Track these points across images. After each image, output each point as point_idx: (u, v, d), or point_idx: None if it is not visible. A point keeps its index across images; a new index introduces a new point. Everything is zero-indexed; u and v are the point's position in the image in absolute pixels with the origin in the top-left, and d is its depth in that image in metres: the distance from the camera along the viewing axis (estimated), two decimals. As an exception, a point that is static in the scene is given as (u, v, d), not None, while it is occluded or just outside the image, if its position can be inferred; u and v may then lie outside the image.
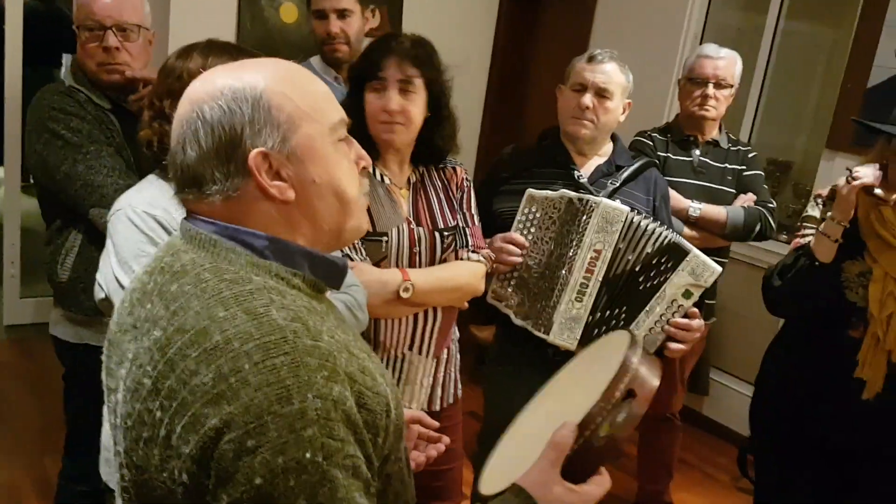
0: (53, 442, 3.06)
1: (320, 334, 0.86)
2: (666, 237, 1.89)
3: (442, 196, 1.86)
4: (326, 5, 2.45)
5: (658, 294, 1.87)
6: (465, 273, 1.81)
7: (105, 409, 1.04)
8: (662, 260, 1.87)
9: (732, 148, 2.82)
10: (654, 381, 1.01)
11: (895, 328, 1.85)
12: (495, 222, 2.01)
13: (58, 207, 1.99)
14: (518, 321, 1.97)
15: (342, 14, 2.46)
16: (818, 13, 3.91)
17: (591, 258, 1.86)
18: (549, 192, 1.97)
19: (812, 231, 2.02)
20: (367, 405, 0.87)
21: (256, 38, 3.83)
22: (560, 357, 1.95)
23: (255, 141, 0.90)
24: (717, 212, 2.63)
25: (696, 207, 2.59)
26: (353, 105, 1.71)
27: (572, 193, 1.95)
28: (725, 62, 2.71)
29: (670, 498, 3.14)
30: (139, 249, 1.43)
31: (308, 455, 0.79)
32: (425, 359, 1.82)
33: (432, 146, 1.83)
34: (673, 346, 1.89)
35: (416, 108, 1.75)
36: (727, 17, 4.06)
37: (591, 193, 2.01)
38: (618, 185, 2.08)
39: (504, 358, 2.08)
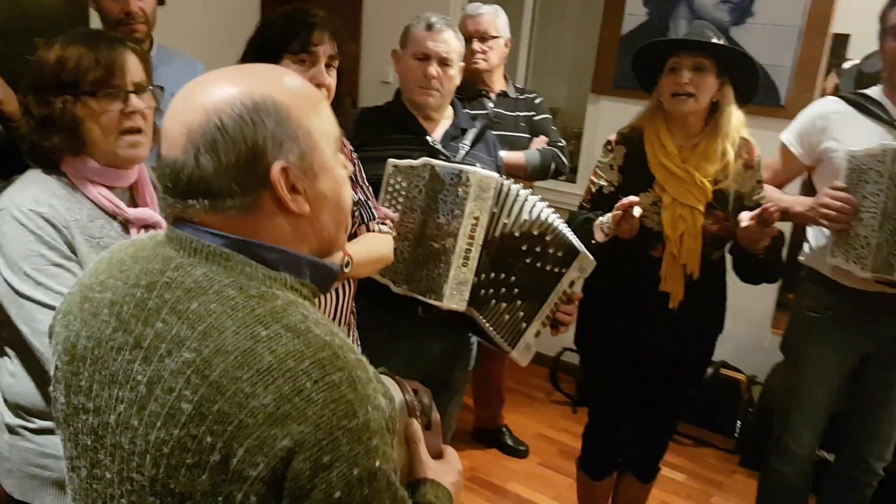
0: None
1: (353, 348, 0.89)
2: (543, 211, 2.04)
3: None
4: None
5: (556, 289, 2.07)
6: (384, 245, 1.86)
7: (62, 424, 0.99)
8: (557, 253, 2.05)
9: (521, 97, 3.09)
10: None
11: (686, 245, 2.21)
12: None
13: None
14: (398, 289, 2.03)
15: None
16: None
17: (472, 225, 1.96)
18: (412, 161, 2.03)
19: (603, 178, 2.33)
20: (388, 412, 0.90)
21: (8, 15, 3.47)
22: (428, 315, 2.10)
23: (277, 154, 0.89)
24: (516, 157, 2.90)
25: (499, 156, 2.82)
26: None
27: (436, 162, 2.01)
28: (485, 17, 2.97)
29: (504, 420, 3.48)
30: (29, 249, 1.37)
31: (377, 463, 0.83)
32: (345, 328, 1.85)
33: None
34: (562, 328, 2.12)
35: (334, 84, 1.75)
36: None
37: (448, 159, 2.12)
38: (469, 148, 2.22)
39: (376, 323, 2.13)
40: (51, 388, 1.00)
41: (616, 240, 2.19)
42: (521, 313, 2.07)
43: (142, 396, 0.86)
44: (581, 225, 2.23)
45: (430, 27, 2.14)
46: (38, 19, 3.56)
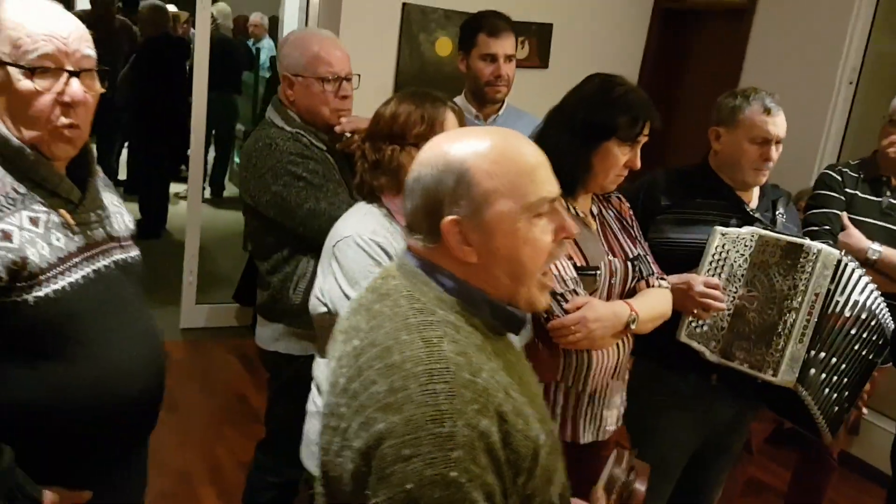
0: (221, 433, 3.40)
1: (480, 371, 0.99)
2: (873, 293, 2.06)
3: (616, 225, 1.93)
4: (499, 51, 2.62)
5: (870, 377, 2.13)
6: (665, 301, 1.90)
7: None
8: (877, 340, 2.07)
9: None
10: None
11: None
12: (652, 251, 2.03)
13: (286, 239, 2.15)
14: (716, 359, 2.05)
15: (509, 58, 2.65)
16: None
17: (812, 301, 1.98)
18: (740, 229, 2.06)
19: None
20: (512, 445, 0.98)
21: (413, 70, 4.08)
22: (722, 384, 2.11)
23: (452, 209, 1.05)
24: None
25: (877, 250, 2.49)
26: (580, 151, 1.77)
27: (764, 232, 2.04)
28: None
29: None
30: (367, 270, 1.63)
31: (454, 474, 0.92)
32: (620, 382, 1.92)
33: None
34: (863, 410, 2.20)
35: None
36: (888, 44, 3.92)
37: (767, 228, 2.10)
38: (783, 218, 2.20)
39: (658, 385, 2.14)
40: None
41: None
42: (846, 403, 2.08)
43: (331, 370, 1.11)
44: None
45: (767, 111, 2.10)
46: (436, 74, 4.11)
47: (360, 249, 1.66)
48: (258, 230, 2.24)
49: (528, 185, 1.07)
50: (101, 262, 1.40)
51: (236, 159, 7.43)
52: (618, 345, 1.83)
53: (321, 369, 1.81)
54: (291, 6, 8.36)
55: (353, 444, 0.97)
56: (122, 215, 1.53)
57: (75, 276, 1.33)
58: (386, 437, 0.93)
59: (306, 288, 2.14)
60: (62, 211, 1.34)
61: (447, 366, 0.96)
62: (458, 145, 1.09)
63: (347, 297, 1.64)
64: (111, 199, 1.51)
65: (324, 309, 1.72)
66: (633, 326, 1.77)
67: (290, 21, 8.23)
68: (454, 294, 1.07)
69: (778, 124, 2.10)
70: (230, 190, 7.37)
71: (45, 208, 1.32)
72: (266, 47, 7.21)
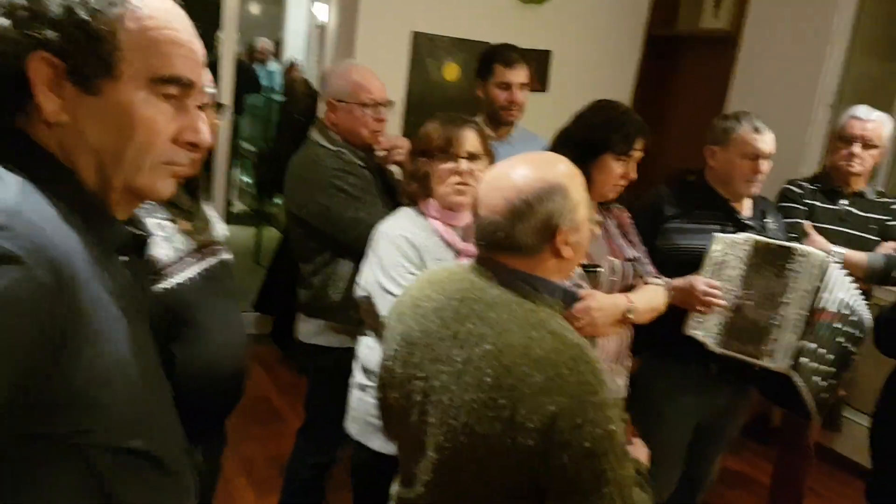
0: (250, 431, 3.62)
1: (592, 349, 1.29)
2: (853, 292, 2.29)
3: (617, 231, 2.19)
4: (513, 79, 2.89)
5: (851, 366, 2.34)
6: (659, 296, 2.15)
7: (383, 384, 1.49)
8: (856, 333, 2.27)
9: (879, 200, 3.00)
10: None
11: None
12: (659, 256, 2.30)
13: (328, 243, 2.41)
14: (718, 349, 2.30)
15: (522, 86, 2.92)
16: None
17: (801, 297, 2.22)
18: (735, 235, 2.33)
19: None
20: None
21: (422, 93, 4.32)
22: (720, 373, 2.35)
23: (560, 220, 1.33)
24: (858, 257, 2.79)
25: (839, 253, 2.76)
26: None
27: (759, 237, 2.30)
28: (874, 125, 2.88)
29: (800, 525, 3.31)
30: (396, 261, 1.93)
31: (612, 427, 1.21)
32: (622, 367, 2.16)
33: None
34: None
35: None
36: (865, 67, 4.18)
37: (758, 234, 2.36)
38: (772, 226, 2.47)
39: (659, 372, 2.40)
40: (388, 363, 1.48)
41: None
42: (832, 389, 2.30)
43: (459, 370, 1.30)
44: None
45: (757, 130, 2.37)
46: (443, 97, 4.37)
47: (391, 243, 1.95)
48: (302, 236, 2.50)
49: (584, 191, 1.40)
50: (207, 262, 1.65)
51: (242, 177, 7.69)
52: (620, 334, 2.08)
53: (364, 347, 2.09)
54: (292, 32, 8.67)
55: (527, 425, 1.19)
56: (217, 222, 1.79)
57: (189, 273, 1.59)
58: (559, 414, 1.17)
59: (345, 287, 2.40)
60: (179, 219, 1.60)
61: (580, 349, 1.23)
62: (547, 169, 1.37)
63: (380, 283, 1.93)
64: (209, 210, 1.78)
65: (363, 293, 2.01)
66: (631, 316, 2.01)
67: (292, 45, 8.54)
68: (541, 290, 1.33)
69: (766, 141, 2.36)
70: (236, 207, 7.62)
71: (166, 216, 1.58)
72: (275, 70, 7.48)
